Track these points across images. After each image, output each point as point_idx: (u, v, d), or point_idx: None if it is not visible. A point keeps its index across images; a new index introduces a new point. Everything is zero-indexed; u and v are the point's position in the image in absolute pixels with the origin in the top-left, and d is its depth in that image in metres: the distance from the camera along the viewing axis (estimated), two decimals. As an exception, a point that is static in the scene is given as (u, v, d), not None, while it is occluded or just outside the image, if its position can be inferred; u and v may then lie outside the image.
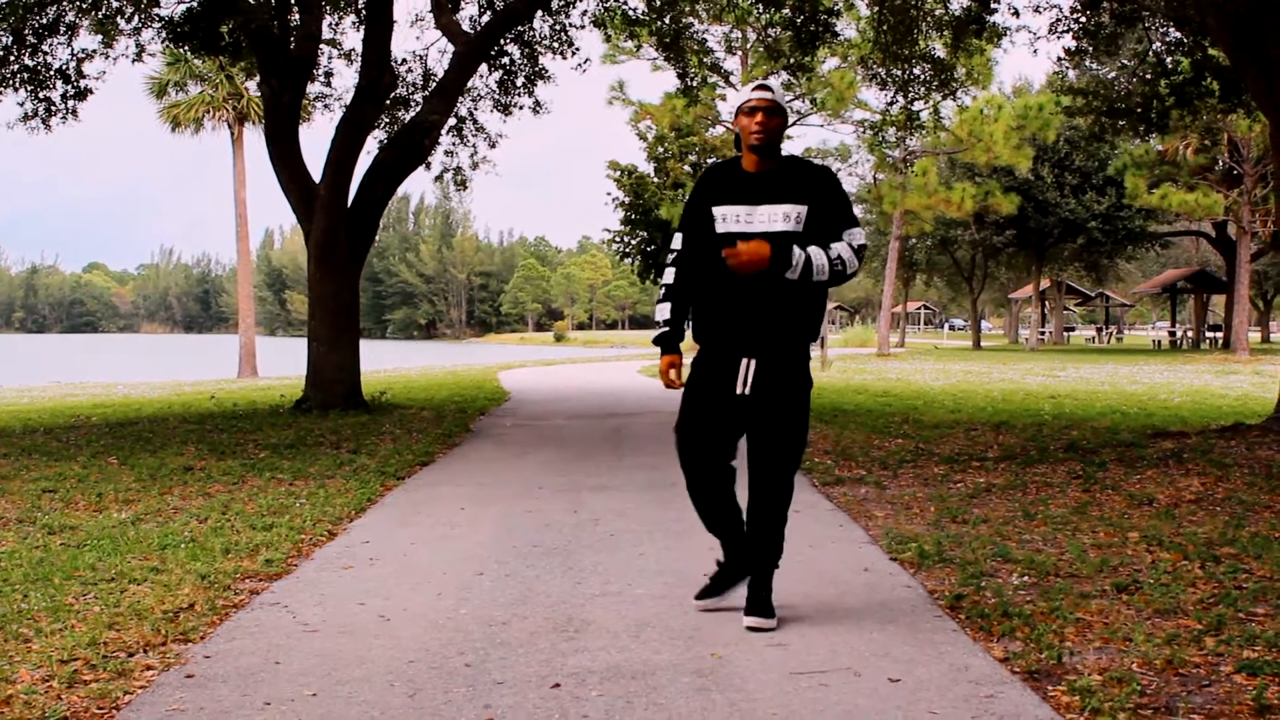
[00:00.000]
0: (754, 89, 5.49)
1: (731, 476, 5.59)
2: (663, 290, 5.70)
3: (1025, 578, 6.27)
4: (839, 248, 5.35)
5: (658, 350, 5.58)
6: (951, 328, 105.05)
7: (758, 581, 5.49)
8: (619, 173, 61.99)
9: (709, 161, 59.39)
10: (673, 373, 5.61)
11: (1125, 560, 6.67)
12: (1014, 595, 5.88)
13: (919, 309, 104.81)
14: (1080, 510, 8.31)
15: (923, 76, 23.93)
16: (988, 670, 4.72)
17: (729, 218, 5.43)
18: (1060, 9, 16.79)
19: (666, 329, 5.64)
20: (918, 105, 27.62)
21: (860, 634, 5.25)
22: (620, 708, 4.31)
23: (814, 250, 5.30)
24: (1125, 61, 23.81)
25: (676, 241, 5.71)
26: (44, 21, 17.55)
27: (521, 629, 5.38)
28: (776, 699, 4.39)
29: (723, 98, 55.82)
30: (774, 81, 5.47)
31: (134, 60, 19.54)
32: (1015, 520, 7.98)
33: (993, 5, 16.48)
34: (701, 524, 5.75)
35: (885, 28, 18.61)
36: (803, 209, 5.37)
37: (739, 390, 5.39)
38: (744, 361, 5.39)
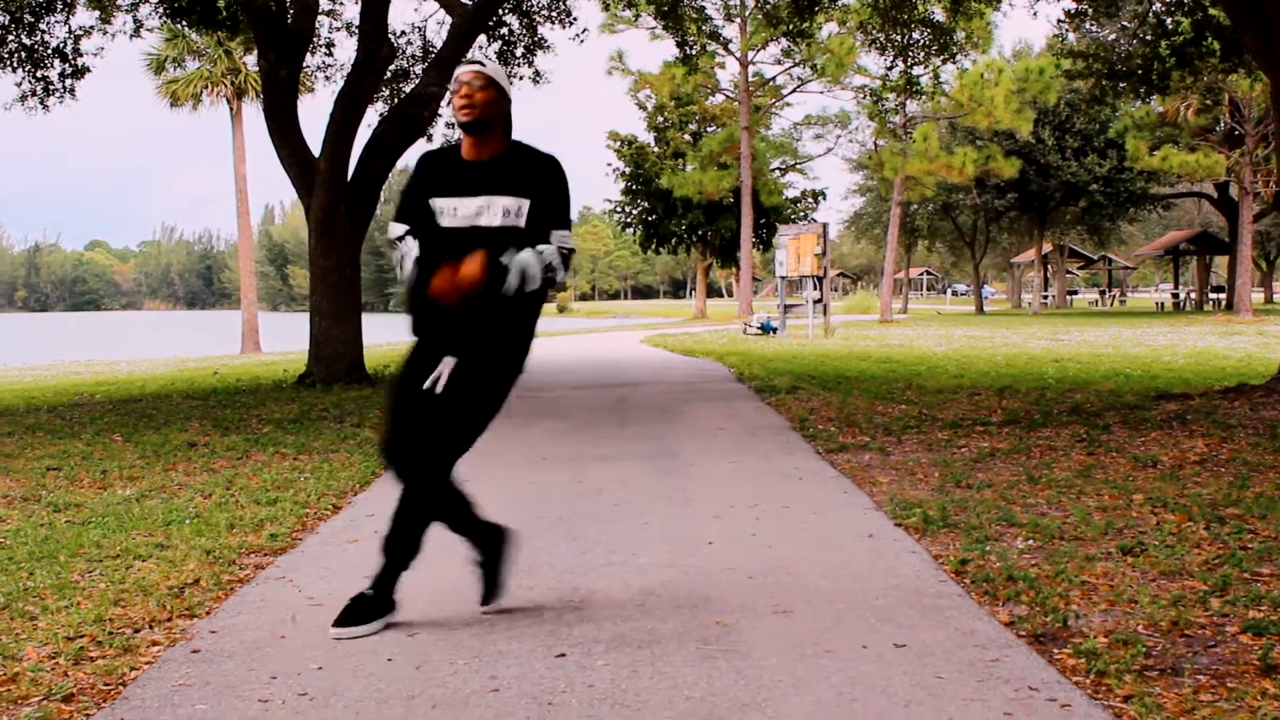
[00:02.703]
0: (464, 64, 5.05)
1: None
2: (410, 271, 5.03)
3: (1030, 542, 6.27)
4: (550, 253, 4.92)
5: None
6: (954, 293, 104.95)
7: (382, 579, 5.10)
8: (619, 143, 62.00)
9: (710, 131, 59.33)
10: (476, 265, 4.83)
11: (1130, 522, 6.67)
12: (1019, 559, 5.87)
13: (921, 275, 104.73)
14: (1084, 473, 8.31)
15: (922, 41, 23.95)
16: (993, 634, 4.72)
17: (448, 211, 4.99)
18: (1060, -29, 16.73)
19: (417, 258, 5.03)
20: (917, 70, 27.61)
21: (865, 600, 5.24)
22: (626, 676, 4.31)
23: (528, 256, 4.87)
24: (1125, 23, 23.72)
25: (395, 230, 5.12)
26: (41, 0, 17.50)
27: (526, 599, 5.38)
28: (782, 666, 4.39)
29: (722, 66, 55.81)
30: (490, 60, 4.93)
31: (132, 36, 19.54)
32: (1019, 484, 7.98)
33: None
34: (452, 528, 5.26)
35: (884, -8, 18.54)
36: (525, 202, 4.95)
37: (427, 385, 4.90)
38: (446, 360, 4.92)
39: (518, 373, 5.09)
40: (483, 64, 5.02)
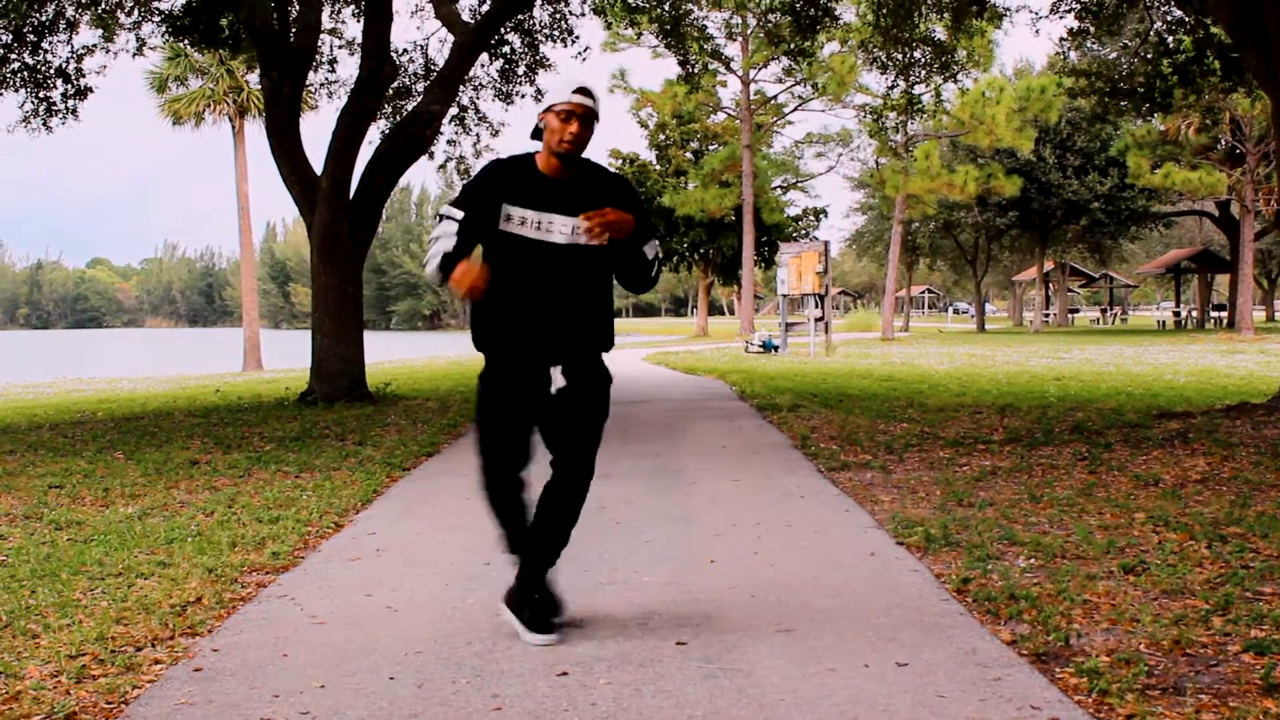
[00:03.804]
0: (575, 91, 5.00)
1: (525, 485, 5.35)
2: (438, 255, 5.03)
3: (1032, 560, 6.27)
4: (651, 249, 5.15)
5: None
6: (956, 311, 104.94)
7: (528, 575, 5.25)
8: (621, 161, 62.03)
9: (711, 149, 59.39)
10: (471, 272, 4.91)
11: (1132, 541, 6.67)
12: (1021, 578, 5.87)
13: (923, 293, 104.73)
14: (1086, 492, 8.31)
15: (923, 59, 23.91)
16: (995, 653, 4.72)
17: (524, 220, 5.02)
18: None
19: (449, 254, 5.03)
20: (919, 88, 27.59)
21: (867, 619, 5.24)
22: (628, 695, 4.31)
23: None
24: (1127, 41, 23.76)
25: (448, 219, 5.08)
26: (44, 19, 17.54)
27: (529, 618, 5.38)
28: (784, 685, 4.39)
29: (723, 84, 55.85)
30: (596, 89, 4.93)
31: (134, 55, 19.57)
32: (1021, 503, 7.98)
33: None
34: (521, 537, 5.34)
35: (885, 11, 18.56)
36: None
37: (554, 389, 5.10)
38: (553, 370, 5.09)
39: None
40: (593, 96, 5.02)
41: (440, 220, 5.12)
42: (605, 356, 5.29)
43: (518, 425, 5.16)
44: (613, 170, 5.21)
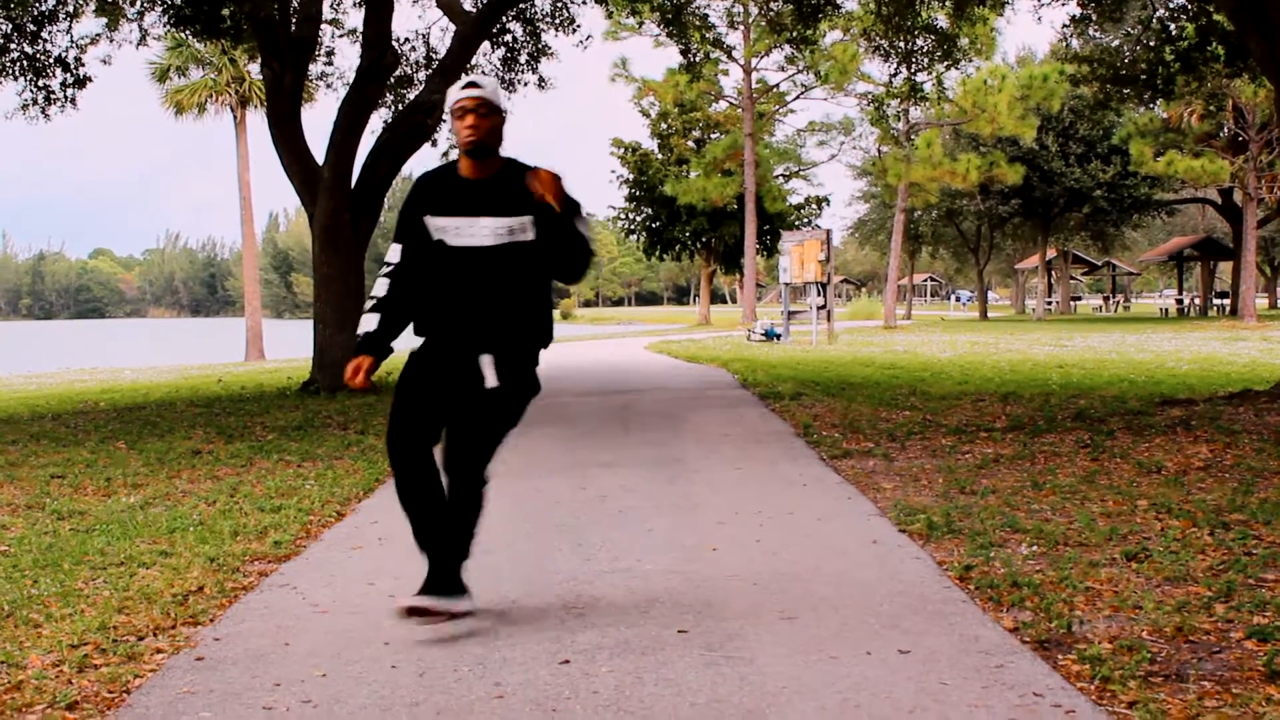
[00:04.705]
0: (463, 87, 5.05)
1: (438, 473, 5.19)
2: (371, 302, 5.27)
3: (1034, 547, 6.27)
4: (584, 225, 5.06)
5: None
6: (958, 299, 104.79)
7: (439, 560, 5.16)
8: (623, 150, 62.04)
9: (713, 138, 59.34)
10: (360, 375, 5.14)
11: (1134, 528, 6.66)
12: (1023, 565, 5.87)
13: (925, 281, 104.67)
14: (1089, 479, 8.30)
15: (925, 47, 23.90)
16: (998, 640, 4.71)
17: (444, 229, 5.08)
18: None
19: (369, 334, 5.25)
20: (921, 76, 27.58)
21: (869, 606, 5.24)
22: (630, 683, 4.31)
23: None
24: (1129, 28, 23.71)
25: (393, 254, 5.25)
26: (45, 8, 17.53)
27: (530, 606, 5.39)
28: (787, 672, 4.39)
29: (725, 73, 55.77)
30: (488, 79, 5.12)
31: (138, 45, 19.58)
32: (1024, 490, 7.97)
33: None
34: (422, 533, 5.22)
35: (887, -1, 18.54)
36: (527, 219, 5.03)
37: (490, 384, 5.04)
38: (484, 363, 5.07)
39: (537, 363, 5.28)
40: (482, 87, 5.02)
41: (381, 267, 5.27)
42: (543, 354, 5.28)
43: (429, 397, 5.12)
44: (535, 165, 5.10)
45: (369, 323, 5.26)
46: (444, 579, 5.07)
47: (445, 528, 5.12)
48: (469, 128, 4.99)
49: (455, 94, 5.04)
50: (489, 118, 5.01)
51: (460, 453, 5.07)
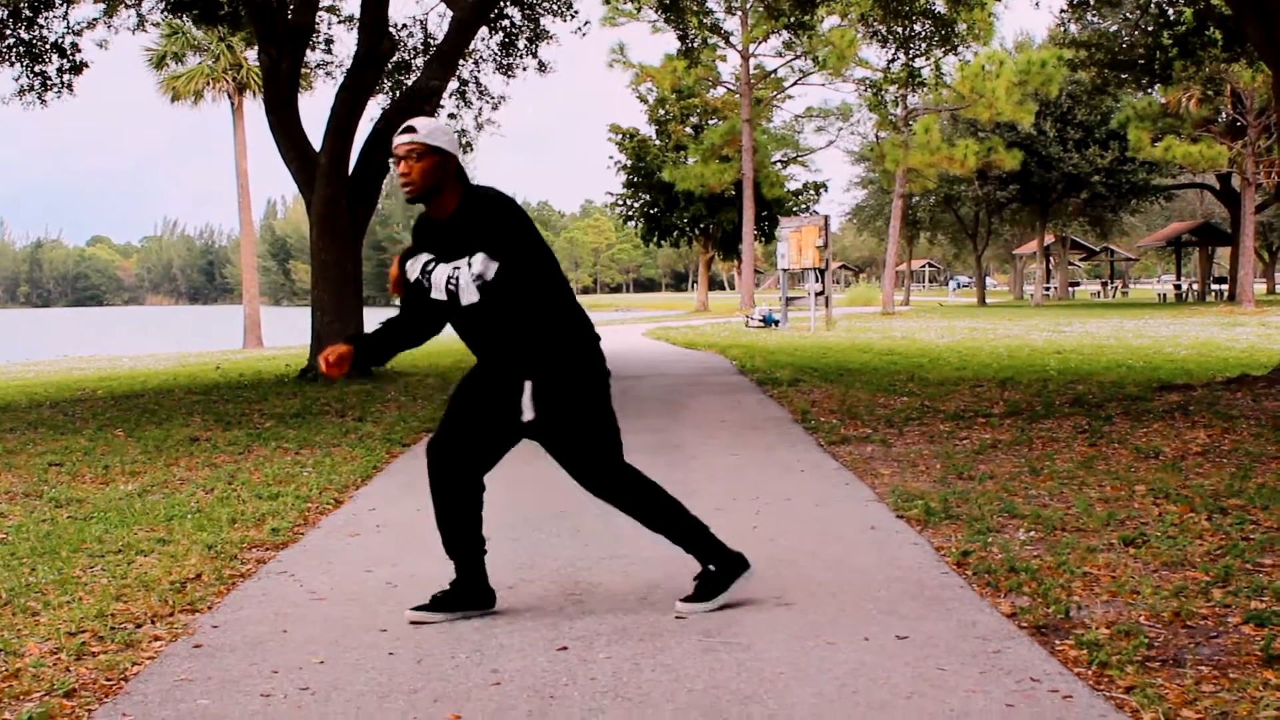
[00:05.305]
0: (399, 134, 4.87)
1: (481, 493, 5.18)
2: (388, 321, 5.23)
3: (1032, 533, 6.27)
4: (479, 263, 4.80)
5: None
6: (958, 285, 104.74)
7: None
8: (620, 136, 62.00)
9: (711, 124, 59.30)
10: (334, 358, 5.11)
11: (1132, 513, 6.66)
12: (1021, 550, 5.87)
13: (923, 267, 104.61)
14: (1086, 464, 8.30)
15: (923, 33, 23.90)
16: (995, 626, 4.71)
17: (415, 275, 4.94)
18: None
19: (362, 333, 5.25)
20: (919, 62, 27.58)
21: (867, 592, 5.24)
22: (628, 670, 4.31)
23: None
24: (1127, 13, 23.69)
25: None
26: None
27: (528, 593, 5.39)
28: (784, 658, 4.39)
29: (723, 58, 55.73)
30: (428, 121, 4.95)
31: (134, 30, 19.58)
32: (1021, 476, 7.98)
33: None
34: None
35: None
36: (492, 265, 4.77)
37: (527, 417, 4.95)
38: (525, 384, 4.94)
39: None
40: (415, 130, 4.84)
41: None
42: (587, 359, 5.08)
43: (473, 417, 5.06)
44: (491, 196, 4.88)
45: (371, 328, 5.25)
46: (465, 596, 5.09)
47: (473, 546, 5.14)
48: (401, 175, 4.84)
49: (394, 140, 4.91)
50: (423, 160, 4.81)
51: (584, 482, 5.13)
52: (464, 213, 4.88)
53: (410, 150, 4.81)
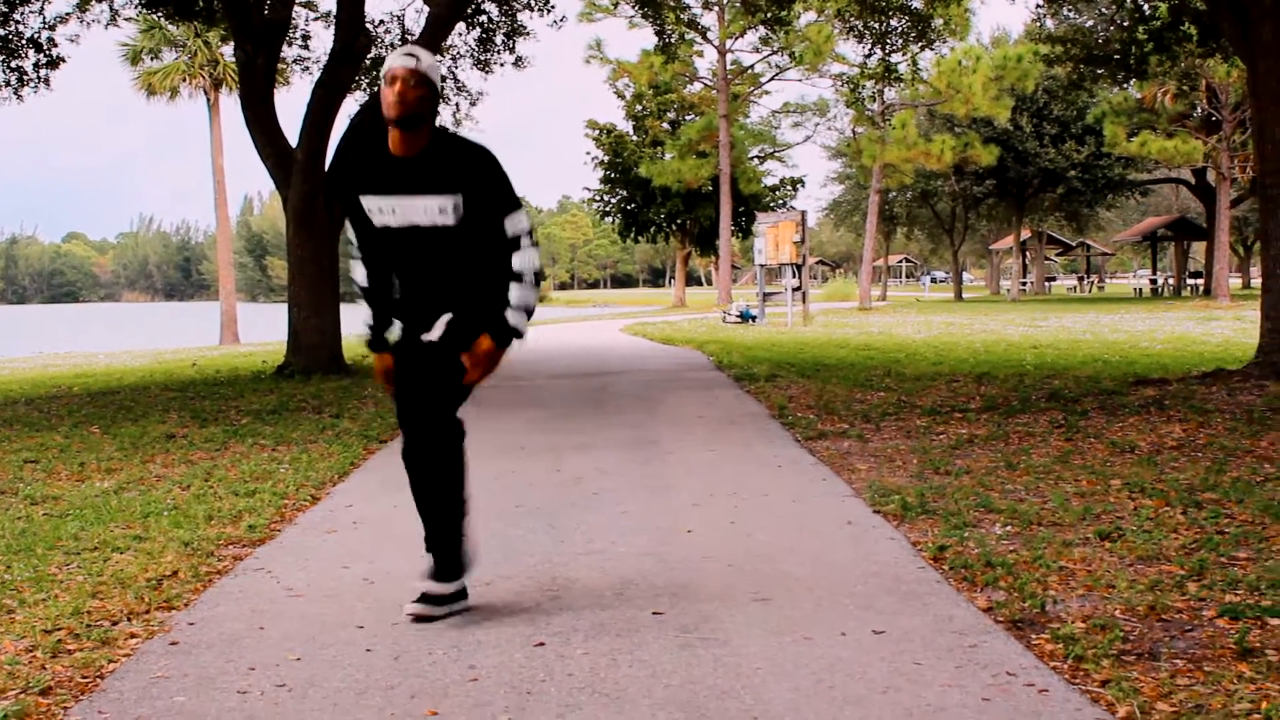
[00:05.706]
0: (399, 55, 4.88)
1: (462, 440, 5.11)
2: (359, 290, 5.21)
3: (1008, 527, 6.29)
4: (518, 294, 4.89)
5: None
6: (934, 280, 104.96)
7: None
8: (598, 131, 62.00)
9: (688, 120, 59.25)
10: (386, 376, 5.17)
11: (1108, 508, 6.69)
12: (997, 545, 5.89)
13: (900, 262, 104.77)
14: (1062, 459, 8.33)
15: (900, 28, 23.93)
16: (971, 620, 4.73)
17: (381, 210, 4.92)
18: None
19: (371, 332, 5.20)
20: (895, 57, 27.59)
21: (844, 587, 5.25)
22: (605, 665, 4.31)
23: (510, 314, 4.88)
24: (1103, 8, 23.78)
25: (351, 233, 5.16)
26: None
27: (505, 589, 5.38)
28: (761, 653, 4.39)
29: (700, 54, 55.71)
30: (430, 55, 4.94)
31: (107, 25, 19.47)
32: (998, 470, 8.00)
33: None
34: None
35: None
36: (456, 199, 4.84)
37: (429, 336, 4.96)
38: (444, 315, 4.96)
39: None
40: (417, 58, 4.85)
41: (346, 246, 5.11)
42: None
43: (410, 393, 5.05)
44: (473, 141, 4.96)
45: (365, 314, 5.20)
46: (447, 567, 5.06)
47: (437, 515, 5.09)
48: (396, 94, 4.79)
49: (390, 60, 4.88)
50: (418, 89, 4.81)
51: (425, 414, 4.98)
52: (437, 152, 4.89)
53: (410, 74, 4.81)
